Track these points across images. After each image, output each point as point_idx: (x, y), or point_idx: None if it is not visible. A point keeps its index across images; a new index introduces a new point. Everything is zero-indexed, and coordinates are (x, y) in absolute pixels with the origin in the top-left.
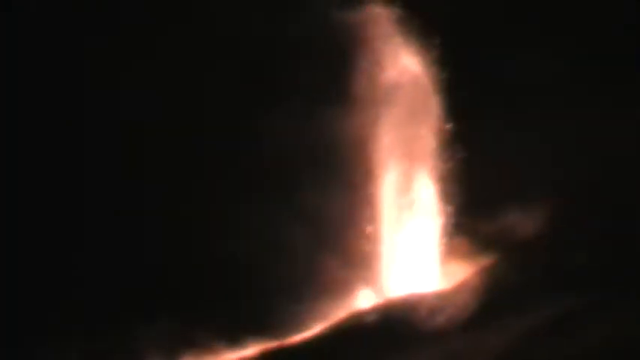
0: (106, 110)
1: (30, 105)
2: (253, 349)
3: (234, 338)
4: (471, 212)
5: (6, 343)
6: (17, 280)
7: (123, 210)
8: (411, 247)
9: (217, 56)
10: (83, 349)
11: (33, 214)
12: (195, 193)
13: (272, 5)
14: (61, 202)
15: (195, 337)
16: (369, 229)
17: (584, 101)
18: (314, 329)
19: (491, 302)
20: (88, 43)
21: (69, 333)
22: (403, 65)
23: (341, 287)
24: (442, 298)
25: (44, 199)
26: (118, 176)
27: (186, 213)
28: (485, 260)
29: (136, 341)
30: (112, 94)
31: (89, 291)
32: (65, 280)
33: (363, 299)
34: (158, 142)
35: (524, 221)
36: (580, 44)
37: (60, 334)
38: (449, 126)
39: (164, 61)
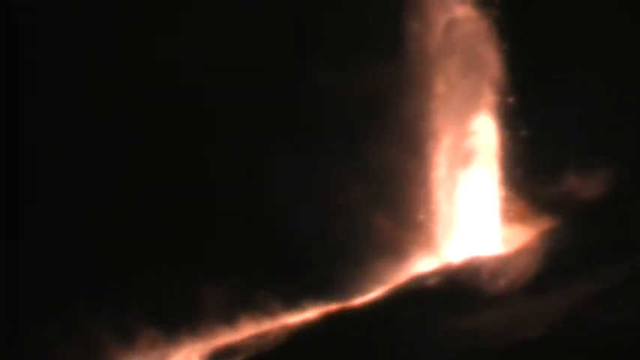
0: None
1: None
2: (315, 312)
3: (295, 302)
4: (532, 175)
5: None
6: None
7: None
8: (472, 210)
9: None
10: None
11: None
12: (251, 153)
13: None
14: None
15: (256, 300)
16: (429, 191)
17: None
18: (375, 292)
19: (553, 266)
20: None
21: (137, 284)
22: (459, 17)
23: (402, 250)
24: (503, 261)
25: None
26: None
27: (243, 173)
28: (546, 224)
29: (197, 300)
30: None
31: (155, 245)
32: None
33: (425, 263)
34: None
35: (585, 185)
36: None
37: (126, 286)
38: (509, 89)
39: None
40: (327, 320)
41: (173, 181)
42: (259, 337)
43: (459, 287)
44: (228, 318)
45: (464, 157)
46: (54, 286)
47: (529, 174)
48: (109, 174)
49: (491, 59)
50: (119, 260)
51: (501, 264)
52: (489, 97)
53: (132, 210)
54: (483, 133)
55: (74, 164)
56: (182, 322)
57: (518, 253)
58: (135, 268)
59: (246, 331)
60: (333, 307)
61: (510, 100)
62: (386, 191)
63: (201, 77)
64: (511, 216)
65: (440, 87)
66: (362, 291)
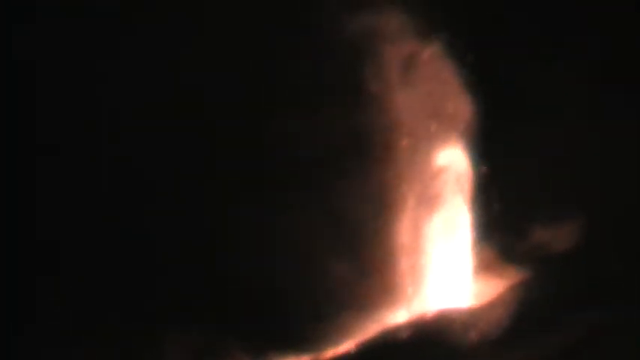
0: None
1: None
2: None
3: (264, 355)
4: (504, 227)
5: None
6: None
7: (138, 217)
8: (443, 262)
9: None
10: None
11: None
12: (216, 203)
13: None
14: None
15: (224, 352)
16: (399, 243)
17: (615, 114)
18: (346, 345)
19: (525, 318)
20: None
21: (94, 335)
22: (422, 61)
23: (372, 303)
24: (475, 314)
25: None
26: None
27: (208, 222)
28: (518, 276)
29: (158, 350)
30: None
31: (114, 294)
32: (89, 283)
33: (395, 315)
34: (169, 146)
35: (554, 236)
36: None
37: (85, 336)
38: (476, 142)
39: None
40: None
41: (135, 226)
42: None
43: (430, 340)
44: None
45: (432, 209)
46: None
47: (498, 226)
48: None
49: (459, 108)
50: (78, 307)
51: (473, 317)
52: (456, 149)
53: (89, 255)
54: (454, 187)
55: None
56: None
57: (489, 306)
58: (96, 316)
59: None
60: (304, 359)
61: (479, 163)
62: (355, 242)
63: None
64: (481, 268)
65: (405, 136)
66: (332, 344)
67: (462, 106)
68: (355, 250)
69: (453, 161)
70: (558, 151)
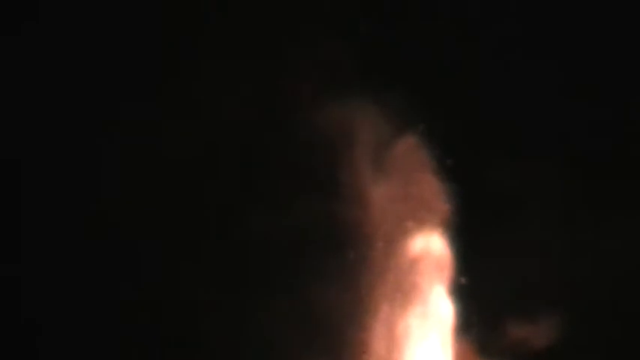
0: None
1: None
2: None
3: None
4: (480, 325)
5: None
6: None
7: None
8: (423, 358)
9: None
10: None
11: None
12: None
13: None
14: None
15: None
16: (381, 337)
17: (584, 212)
18: None
19: None
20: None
21: None
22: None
23: None
24: None
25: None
26: None
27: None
28: None
29: None
30: None
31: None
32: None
33: None
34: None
35: (534, 333)
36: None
37: None
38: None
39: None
40: None
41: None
42: None
43: None
44: None
45: (416, 305)
46: None
47: (476, 324)
48: None
49: (435, 199)
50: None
51: None
52: (433, 237)
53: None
54: (429, 283)
55: None
56: None
57: None
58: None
59: None
60: None
61: (450, 250)
62: (339, 334)
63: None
64: None
65: (380, 230)
66: None
67: (438, 196)
68: (330, 346)
69: (430, 249)
70: (535, 249)
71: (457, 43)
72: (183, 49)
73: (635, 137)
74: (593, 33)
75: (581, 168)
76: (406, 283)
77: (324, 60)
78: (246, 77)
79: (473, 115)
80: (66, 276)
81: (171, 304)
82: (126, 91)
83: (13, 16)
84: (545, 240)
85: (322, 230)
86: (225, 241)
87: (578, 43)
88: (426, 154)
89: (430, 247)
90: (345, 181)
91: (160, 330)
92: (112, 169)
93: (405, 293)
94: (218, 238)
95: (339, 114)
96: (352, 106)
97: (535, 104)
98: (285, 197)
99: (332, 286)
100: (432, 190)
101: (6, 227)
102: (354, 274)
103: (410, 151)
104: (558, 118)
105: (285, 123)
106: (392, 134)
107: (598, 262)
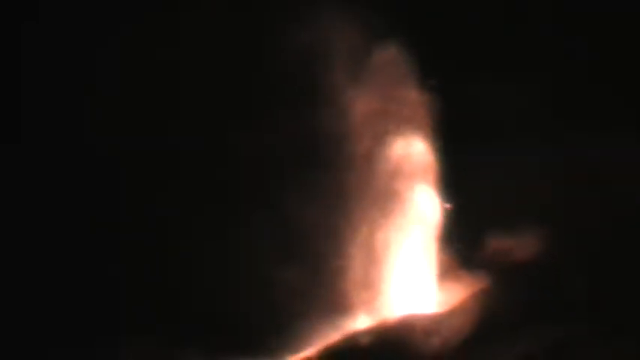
0: None
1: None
2: None
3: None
4: (467, 236)
5: None
6: None
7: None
8: (406, 269)
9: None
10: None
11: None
12: (169, 216)
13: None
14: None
15: (185, 356)
16: (365, 251)
17: (574, 127)
18: (310, 350)
19: (487, 326)
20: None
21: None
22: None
23: (335, 308)
24: (437, 320)
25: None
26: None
27: (171, 228)
28: (480, 284)
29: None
30: None
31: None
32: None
33: (358, 321)
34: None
35: (517, 245)
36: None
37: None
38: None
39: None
40: None
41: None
42: None
43: (392, 346)
44: None
45: (399, 217)
46: None
47: (464, 235)
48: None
49: (415, 106)
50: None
51: (435, 323)
52: (415, 141)
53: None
54: (420, 197)
55: None
56: None
57: (451, 313)
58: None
59: None
60: None
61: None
62: (319, 248)
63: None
64: (446, 276)
65: (360, 137)
66: (293, 351)
67: (418, 103)
68: (321, 256)
69: (412, 153)
70: (521, 163)
71: None
72: None
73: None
74: None
75: (556, 89)
76: (389, 190)
77: None
78: None
79: (455, 32)
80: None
81: (155, 220)
82: None
83: None
84: (522, 158)
85: (302, 146)
86: (206, 156)
87: None
88: (406, 68)
89: (412, 151)
90: (325, 96)
91: (143, 245)
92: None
93: (387, 201)
94: (200, 155)
95: (314, 25)
96: (327, 16)
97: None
98: (266, 114)
99: (312, 202)
100: (413, 102)
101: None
102: (335, 189)
103: (390, 63)
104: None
105: (261, 38)
106: (369, 45)
107: (588, 177)
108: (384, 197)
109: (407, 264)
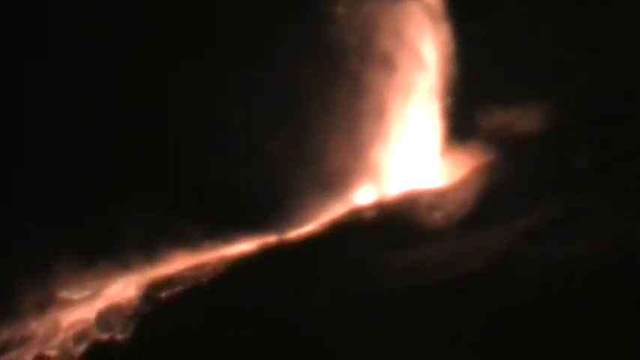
0: None
1: None
2: (253, 244)
3: (231, 234)
4: (471, 109)
5: None
6: None
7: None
8: (410, 143)
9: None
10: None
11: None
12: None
13: None
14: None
15: (191, 231)
16: (368, 124)
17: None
18: (312, 225)
19: (491, 200)
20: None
21: (56, 211)
22: None
23: (339, 183)
24: (441, 195)
25: None
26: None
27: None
28: (484, 158)
29: (124, 229)
30: None
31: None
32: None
33: (362, 195)
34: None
35: (522, 119)
36: None
37: (42, 212)
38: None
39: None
40: (266, 252)
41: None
42: (196, 268)
43: (396, 220)
44: (164, 249)
45: (402, 90)
46: None
47: (468, 108)
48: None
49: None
50: (38, 187)
51: (439, 197)
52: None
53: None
54: (422, 67)
55: None
56: (112, 253)
57: (455, 187)
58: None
59: (183, 262)
60: (271, 239)
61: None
62: (323, 123)
63: None
64: (450, 150)
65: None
66: (300, 222)
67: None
68: (324, 130)
69: (424, 58)
70: (521, 38)
71: None
72: None
73: None
74: None
75: None
76: (401, 80)
77: None
78: None
79: None
80: None
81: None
82: None
83: None
84: (530, 30)
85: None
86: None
87: None
88: None
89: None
90: None
91: (150, 112)
92: None
93: (390, 61)
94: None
95: None
96: None
97: None
98: None
99: (306, 59)
100: None
101: None
102: (332, 46)
103: None
104: None
105: None
106: None
107: (594, 54)
108: (386, 57)
109: (411, 138)
